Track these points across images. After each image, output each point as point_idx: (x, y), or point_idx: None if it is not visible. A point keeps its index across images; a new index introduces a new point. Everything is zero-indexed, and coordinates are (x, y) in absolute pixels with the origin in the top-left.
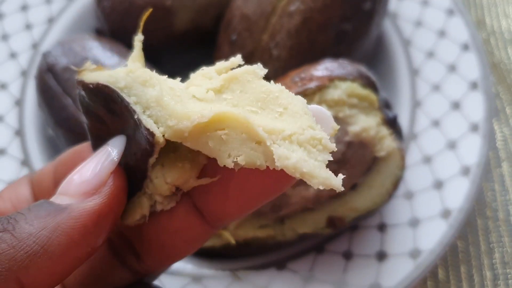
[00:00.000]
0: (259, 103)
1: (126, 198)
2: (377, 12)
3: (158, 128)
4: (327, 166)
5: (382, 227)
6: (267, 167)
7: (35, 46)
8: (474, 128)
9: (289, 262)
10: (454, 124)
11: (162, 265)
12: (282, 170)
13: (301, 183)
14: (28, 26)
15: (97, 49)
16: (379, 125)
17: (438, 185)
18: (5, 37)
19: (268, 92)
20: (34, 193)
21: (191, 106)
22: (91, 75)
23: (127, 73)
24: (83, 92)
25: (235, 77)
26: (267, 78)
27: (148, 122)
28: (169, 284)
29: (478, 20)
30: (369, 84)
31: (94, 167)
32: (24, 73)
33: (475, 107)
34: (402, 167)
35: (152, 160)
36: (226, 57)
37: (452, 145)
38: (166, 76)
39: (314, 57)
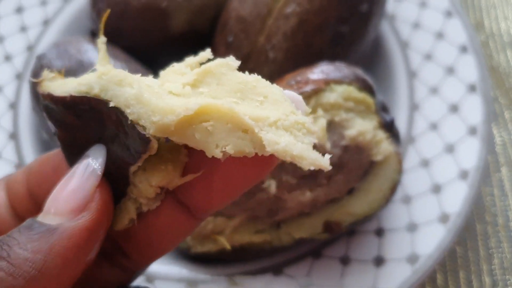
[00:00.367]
0: (238, 94)
1: (113, 208)
2: (374, 14)
3: (142, 126)
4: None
5: (379, 232)
6: (255, 154)
7: (30, 48)
8: (473, 131)
9: (286, 267)
10: (452, 127)
11: (150, 259)
12: (262, 157)
13: (297, 187)
14: (23, 28)
15: (92, 52)
16: (376, 128)
17: (436, 189)
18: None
19: (245, 83)
20: (8, 197)
21: (171, 102)
22: (55, 85)
23: (99, 76)
24: (49, 103)
25: (209, 71)
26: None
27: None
28: None
29: (477, 22)
30: (366, 87)
31: (79, 182)
32: (19, 76)
33: (474, 110)
34: (399, 171)
35: (133, 168)
36: None
37: (450, 148)
38: (140, 74)
39: (310, 60)
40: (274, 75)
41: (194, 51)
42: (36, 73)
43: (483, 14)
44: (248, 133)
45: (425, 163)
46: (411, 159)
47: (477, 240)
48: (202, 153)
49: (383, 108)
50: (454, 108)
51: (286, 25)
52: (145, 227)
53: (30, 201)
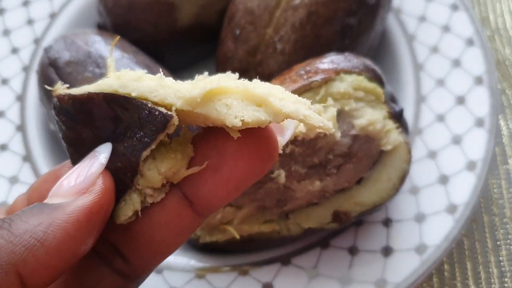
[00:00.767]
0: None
1: (114, 198)
2: (382, 6)
3: (166, 104)
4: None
5: (387, 222)
6: (264, 131)
7: (36, 41)
8: (480, 122)
9: (294, 258)
10: (459, 119)
11: (151, 264)
12: (267, 148)
13: (306, 177)
14: (30, 21)
15: (100, 43)
16: (385, 118)
17: (444, 180)
18: (6, 33)
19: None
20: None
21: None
22: (70, 91)
23: (116, 78)
24: (66, 105)
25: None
26: (271, 72)
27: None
28: (172, 280)
29: (482, 17)
30: (375, 78)
31: (84, 170)
32: (26, 68)
33: (480, 101)
34: (408, 161)
35: (146, 153)
36: (230, 51)
37: (457, 140)
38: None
39: (318, 51)
40: (282, 67)
41: (202, 44)
42: (44, 64)
43: (489, 8)
44: (262, 106)
45: (432, 155)
46: (418, 151)
47: (485, 231)
48: (207, 147)
49: (392, 99)
50: (461, 100)
51: (294, 16)
52: (148, 223)
53: None
